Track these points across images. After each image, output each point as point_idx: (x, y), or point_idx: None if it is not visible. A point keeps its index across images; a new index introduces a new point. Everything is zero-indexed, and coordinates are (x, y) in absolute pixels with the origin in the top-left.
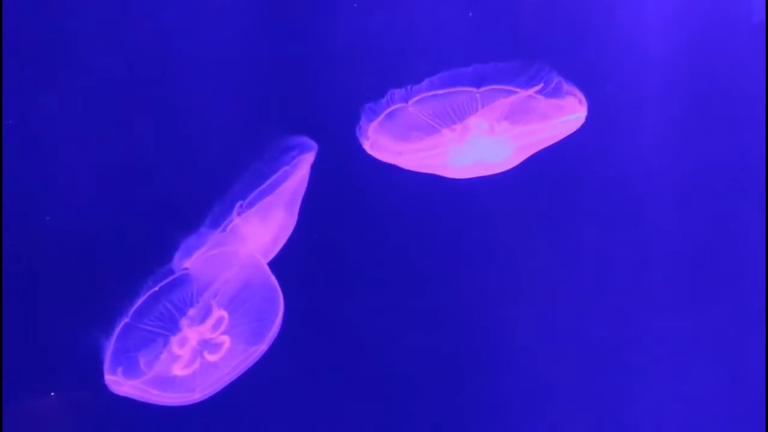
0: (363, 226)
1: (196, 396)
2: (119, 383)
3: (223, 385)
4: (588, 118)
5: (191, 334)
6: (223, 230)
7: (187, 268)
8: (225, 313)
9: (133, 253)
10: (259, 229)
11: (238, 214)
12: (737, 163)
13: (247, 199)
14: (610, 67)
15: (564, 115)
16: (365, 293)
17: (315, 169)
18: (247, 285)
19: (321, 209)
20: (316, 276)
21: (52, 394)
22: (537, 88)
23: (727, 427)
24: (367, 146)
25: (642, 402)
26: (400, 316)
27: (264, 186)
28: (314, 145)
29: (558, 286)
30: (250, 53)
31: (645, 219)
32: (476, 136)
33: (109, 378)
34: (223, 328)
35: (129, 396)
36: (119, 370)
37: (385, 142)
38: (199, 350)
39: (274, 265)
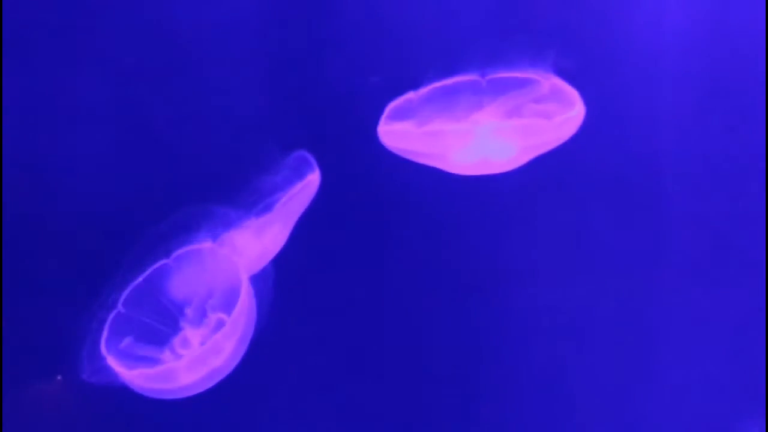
0: (372, 217)
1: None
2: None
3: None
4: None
5: (192, 334)
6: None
7: (169, 262)
8: (224, 316)
9: (123, 246)
10: (252, 241)
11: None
12: (751, 155)
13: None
14: (621, 60)
15: (564, 113)
16: (370, 284)
17: (321, 163)
18: (215, 277)
19: (327, 201)
20: (319, 267)
21: (59, 377)
22: (542, 84)
23: (744, 407)
24: (383, 133)
25: (656, 383)
26: (407, 309)
27: (267, 203)
28: (315, 166)
29: (572, 272)
30: (260, 46)
31: (658, 206)
32: (483, 134)
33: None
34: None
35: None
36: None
37: (399, 131)
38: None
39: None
